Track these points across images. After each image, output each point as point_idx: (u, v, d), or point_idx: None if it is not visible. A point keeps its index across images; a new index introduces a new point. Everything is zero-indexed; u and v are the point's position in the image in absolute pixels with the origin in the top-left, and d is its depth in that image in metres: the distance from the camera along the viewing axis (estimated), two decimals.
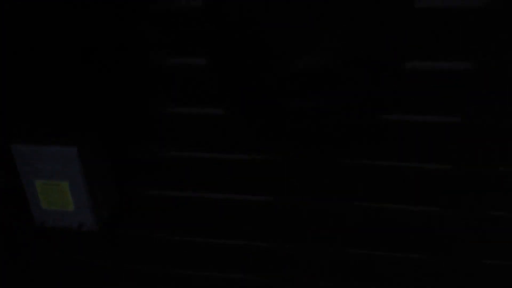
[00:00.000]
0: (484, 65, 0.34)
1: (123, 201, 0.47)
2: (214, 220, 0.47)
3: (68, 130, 0.40)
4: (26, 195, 0.43)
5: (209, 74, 0.37)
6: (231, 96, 0.34)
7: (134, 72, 0.39)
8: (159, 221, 0.48)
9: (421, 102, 0.38)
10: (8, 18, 0.33)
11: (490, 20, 0.34)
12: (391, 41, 0.31)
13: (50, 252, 0.51)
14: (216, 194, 0.45)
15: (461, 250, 0.45)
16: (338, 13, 0.28)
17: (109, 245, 0.49)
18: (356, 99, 0.31)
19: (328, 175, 0.42)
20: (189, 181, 0.45)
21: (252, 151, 0.42)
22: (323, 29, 0.28)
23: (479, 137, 0.38)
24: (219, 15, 0.31)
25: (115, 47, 0.36)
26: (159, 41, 0.38)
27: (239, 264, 0.49)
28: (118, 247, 0.49)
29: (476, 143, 0.39)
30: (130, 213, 0.47)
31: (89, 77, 0.37)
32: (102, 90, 0.39)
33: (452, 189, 0.41)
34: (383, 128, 0.39)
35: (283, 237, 0.45)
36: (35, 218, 0.43)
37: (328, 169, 0.42)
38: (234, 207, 0.46)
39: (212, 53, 0.34)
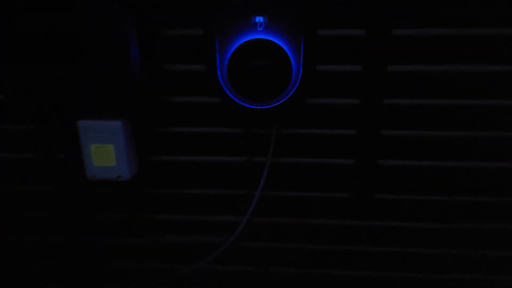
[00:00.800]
0: None
1: (141, 163, 0.69)
2: (209, 176, 0.69)
3: (112, 110, 0.63)
4: (81, 157, 0.64)
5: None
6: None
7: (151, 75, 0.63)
8: (169, 179, 0.70)
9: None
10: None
11: None
12: None
13: (97, 198, 0.72)
14: (209, 157, 0.68)
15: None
16: None
17: (135, 191, 0.71)
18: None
19: (284, 141, 0.66)
20: (190, 148, 0.68)
21: (237, 126, 0.66)
22: None
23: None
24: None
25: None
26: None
27: (227, 207, 0.71)
28: (140, 195, 0.71)
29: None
30: (147, 172, 0.69)
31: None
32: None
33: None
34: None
35: (254, 182, 0.68)
36: (87, 172, 0.65)
37: (283, 138, 0.66)
38: (222, 166, 0.69)
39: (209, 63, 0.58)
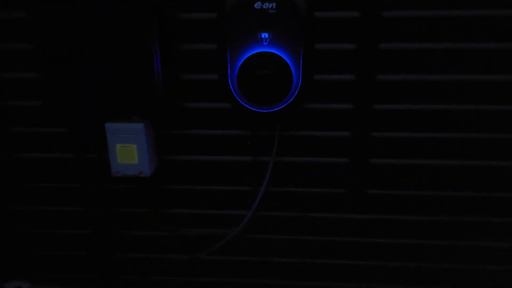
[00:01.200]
0: None
1: (160, 161, 0.77)
2: (219, 173, 0.78)
3: (135, 114, 0.71)
4: (107, 155, 0.73)
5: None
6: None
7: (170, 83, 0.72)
8: (185, 176, 0.79)
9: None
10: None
11: None
12: None
13: (120, 192, 0.80)
14: (220, 157, 0.77)
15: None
16: None
17: (154, 183, 0.79)
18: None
19: (286, 142, 0.75)
20: (203, 148, 0.77)
21: (244, 129, 0.74)
22: None
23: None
24: None
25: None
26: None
27: (234, 199, 0.80)
28: (158, 190, 0.80)
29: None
30: (165, 169, 0.78)
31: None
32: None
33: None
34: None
35: (260, 179, 0.77)
36: (112, 169, 0.73)
37: (285, 139, 0.75)
38: (231, 165, 0.77)
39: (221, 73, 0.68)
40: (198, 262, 0.85)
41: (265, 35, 0.63)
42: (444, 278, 0.83)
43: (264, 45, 0.64)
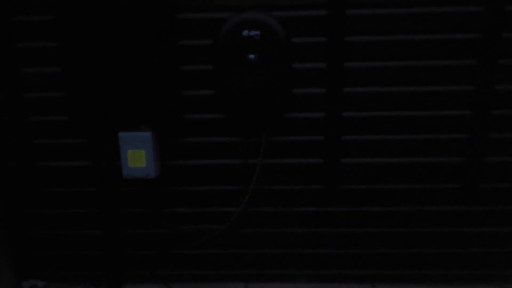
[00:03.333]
0: None
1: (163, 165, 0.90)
2: (215, 175, 0.91)
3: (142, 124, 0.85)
4: (118, 162, 0.85)
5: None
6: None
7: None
8: (184, 178, 0.92)
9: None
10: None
11: None
12: None
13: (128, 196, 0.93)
14: (215, 161, 0.91)
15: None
16: None
17: (159, 186, 0.92)
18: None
19: (271, 147, 0.89)
20: (200, 154, 0.90)
21: (233, 136, 0.89)
22: None
23: None
24: None
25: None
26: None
27: (228, 197, 0.93)
28: (161, 191, 0.92)
29: None
30: (167, 172, 0.91)
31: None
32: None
33: None
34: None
35: (249, 179, 0.90)
36: (124, 172, 0.86)
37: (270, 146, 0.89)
38: (225, 167, 0.91)
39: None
40: (193, 255, 0.97)
41: (252, 56, 0.78)
42: (409, 260, 0.97)
43: (252, 64, 0.79)
